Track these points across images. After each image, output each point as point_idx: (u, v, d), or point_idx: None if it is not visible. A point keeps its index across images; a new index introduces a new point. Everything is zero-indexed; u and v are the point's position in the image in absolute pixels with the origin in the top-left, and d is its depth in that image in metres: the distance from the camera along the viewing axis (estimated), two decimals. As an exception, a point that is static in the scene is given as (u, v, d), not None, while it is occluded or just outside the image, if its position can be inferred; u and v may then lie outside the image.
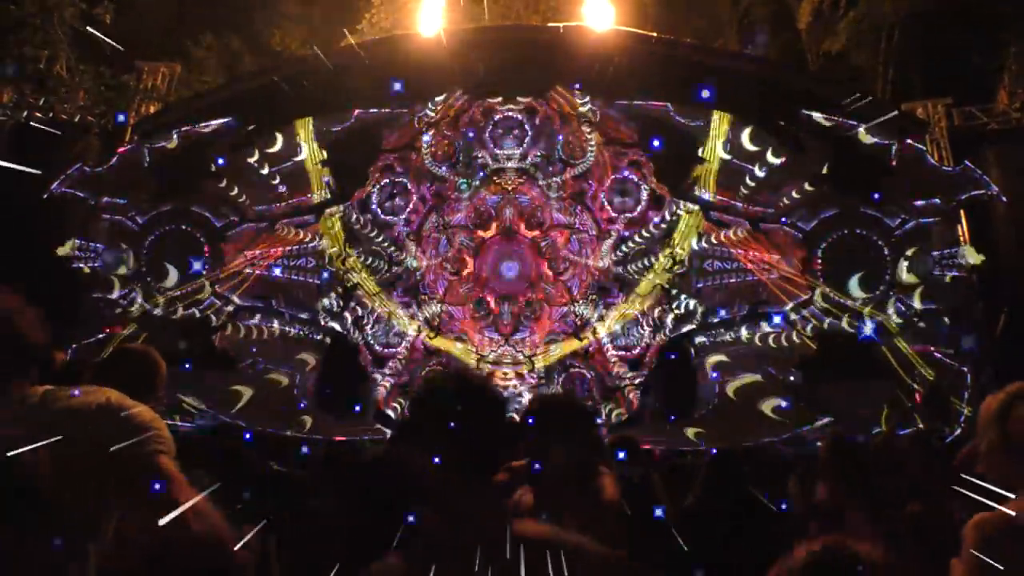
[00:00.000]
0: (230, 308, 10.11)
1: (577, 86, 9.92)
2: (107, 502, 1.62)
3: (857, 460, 2.78)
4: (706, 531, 2.87)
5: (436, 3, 10.38)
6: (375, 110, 10.25)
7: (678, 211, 10.25)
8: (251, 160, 9.91)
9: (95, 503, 1.60)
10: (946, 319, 8.77)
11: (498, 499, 1.46)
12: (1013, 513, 1.49)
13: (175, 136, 9.48)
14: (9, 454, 1.46)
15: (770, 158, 9.42)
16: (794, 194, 9.51)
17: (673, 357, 9.97)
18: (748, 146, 9.60)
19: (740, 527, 2.93)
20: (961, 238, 8.97)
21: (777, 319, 9.62)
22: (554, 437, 2.12)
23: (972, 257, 8.53)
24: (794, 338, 9.50)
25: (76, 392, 1.79)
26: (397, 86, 9.30)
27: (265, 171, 10.07)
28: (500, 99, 10.34)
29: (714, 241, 10.09)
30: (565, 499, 2.04)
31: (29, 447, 1.52)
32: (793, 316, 9.57)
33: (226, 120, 9.61)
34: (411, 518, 1.43)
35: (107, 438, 1.62)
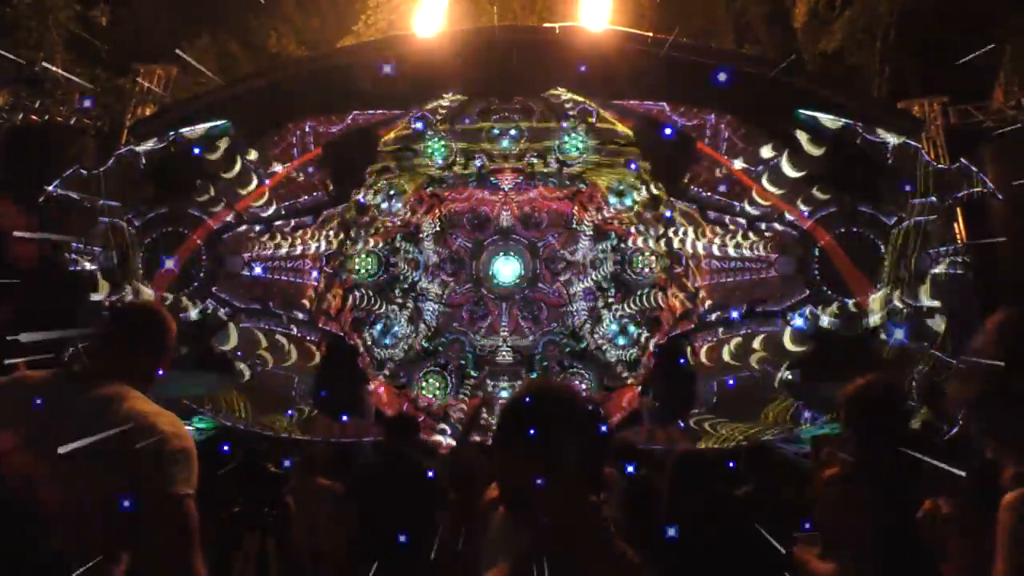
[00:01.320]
0: (227, 310, 10.08)
1: (574, 86, 9.91)
2: (117, 544, 1.30)
3: None
4: (681, 539, 2.84)
5: (433, 4, 10.35)
6: (372, 111, 10.23)
7: (676, 210, 10.26)
8: (247, 162, 9.89)
9: (102, 544, 1.27)
10: (943, 316, 8.78)
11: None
12: None
13: (171, 138, 9.46)
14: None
15: (768, 157, 9.43)
16: (791, 193, 9.53)
17: (672, 357, 9.97)
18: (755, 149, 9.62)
19: (709, 533, 2.88)
20: (957, 236, 9.00)
21: (775, 318, 9.63)
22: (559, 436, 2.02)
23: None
24: (793, 337, 9.51)
25: (82, 384, 1.44)
26: (394, 87, 9.27)
27: (260, 174, 10.04)
28: (497, 99, 10.33)
29: (712, 240, 10.10)
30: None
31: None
32: (792, 315, 9.58)
33: (222, 122, 9.59)
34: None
35: (126, 462, 1.28)
